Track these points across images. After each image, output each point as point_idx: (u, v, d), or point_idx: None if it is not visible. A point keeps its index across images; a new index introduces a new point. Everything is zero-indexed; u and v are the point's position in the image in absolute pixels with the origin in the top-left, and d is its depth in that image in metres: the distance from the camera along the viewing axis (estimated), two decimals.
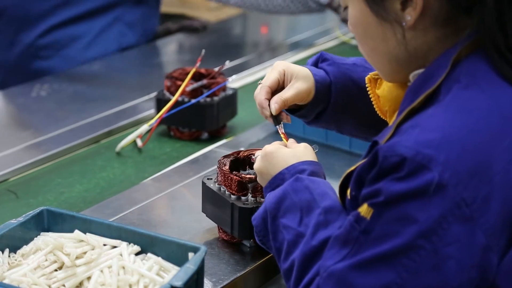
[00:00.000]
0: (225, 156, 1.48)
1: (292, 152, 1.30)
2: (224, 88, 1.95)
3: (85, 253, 1.27)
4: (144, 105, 2.13)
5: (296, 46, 2.64)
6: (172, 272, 1.25)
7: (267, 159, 1.30)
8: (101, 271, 1.24)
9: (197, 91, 1.89)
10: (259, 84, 1.42)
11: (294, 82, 1.40)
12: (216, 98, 1.91)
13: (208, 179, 1.49)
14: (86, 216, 1.34)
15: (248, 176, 1.42)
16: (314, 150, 1.33)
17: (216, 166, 1.47)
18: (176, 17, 3.09)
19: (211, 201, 1.47)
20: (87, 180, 1.76)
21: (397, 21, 1.12)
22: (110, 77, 2.38)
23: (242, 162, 1.48)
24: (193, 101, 1.87)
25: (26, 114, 2.16)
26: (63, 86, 2.27)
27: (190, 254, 1.25)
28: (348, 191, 1.15)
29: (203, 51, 1.92)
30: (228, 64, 1.95)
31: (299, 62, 2.51)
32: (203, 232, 1.51)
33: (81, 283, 1.24)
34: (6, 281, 1.23)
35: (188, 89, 1.88)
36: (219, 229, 1.48)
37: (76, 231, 1.30)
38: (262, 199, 1.40)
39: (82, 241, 1.29)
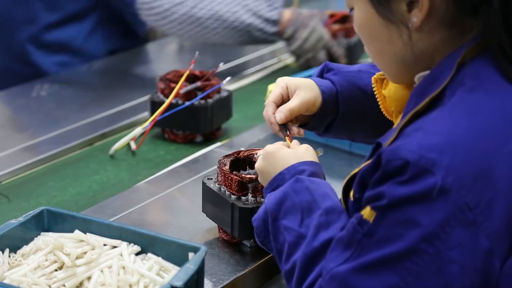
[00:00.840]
0: (225, 156, 1.47)
1: (293, 152, 1.30)
2: (218, 90, 1.93)
3: (85, 253, 1.27)
4: (138, 107, 2.12)
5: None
6: (172, 272, 1.25)
7: (267, 159, 1.30)
8: (101, 271, 1.24)
9: (191, 94, 1.87)
10: (265, 104, 1.42)
11: (298, 92, 1.40)
12: (210, 101, 1.89)
13: (208, 179, 1.49)
14: (86, 216, 1.34)
15: (248, 176, 1.42)
16: (319, 154, 1.33)
17: (216, 166, 1.47)
18: None
19: (211, 201, 1.47)
20: (80, 183, 1.75)
21: (403, 23, 1.12)
22: (105, 79, 2.36)
23: (242, 162, 1.48)
24: (187, 103, 1.86)
25: (18, 116, 2.16)
26: (57, 89, 2.26)
27: (190, 254, 1.25)
28: (351, 193, 1.14)
29: (197, 53, 1.90)
30: (222, 66, 1.93)
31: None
32: (203, 232, 1.50)
33: (81, 283, 1.24)
34: (6, 281, 1.23)
35: (182, 91, 1.86)
36: (219, 229, 1.48)
37: (76, 231, 1.30)
38: (262, 199, 1.40)
39: (82, 241, 1.29)
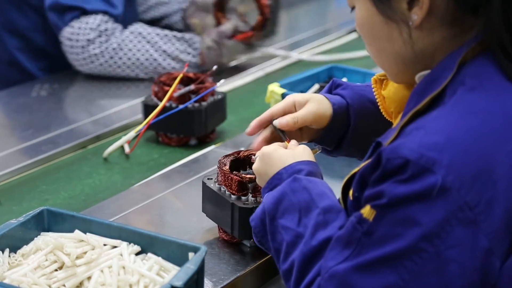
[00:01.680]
0: (225, 156, 1.48)
1: (290, 152, 1.30)
2: (212, 93, 1.91)
3: (85, 253, 1.27)
4: (133, 110, 2.10)
5: (296, 46, 2.64)
6: (172, 272, 1.25)
7: (264, 160, 1.30)
8: (101, 271, 1.24)
9: (184, 97, 1.86)
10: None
11: (307, 104, 1.39)
12: (204, 103, 1.87)
13: (208, 179, 1.49)
14: (86, 216, 1.34)
15: (248, 176, 1.42)
16: (317, 151, 1.33)
17: (216, 166, 1.47)
18: None
19: (211, 201, 1.47)
20: (72, 186, 1.74)
21: (404, 21, 1.12)
22: (99, 82, 2.33)
23: (242, 162, 1.48)
24: (181, 106, 1.84)
25: (9, 119, 2.15)
26: (50, 92, 2.25)
27: (190, 254, 1.25)
28: (351, 192, 1.14)
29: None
30: (215, 69, 1.92)
31: (299, 62, 2.52)
32: (203, 232, 1.50)
33: (81, 283, 1.24)
34: (6, 281, 1.23)
35: (175, 94, 1.85)
36: (219, 229, 1.48)
37: (76, 231, 1.30)
38: (262, 199, 1.40)
39: (82, 241, 1.29)
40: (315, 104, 1.39)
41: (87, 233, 1.30)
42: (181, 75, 1.85)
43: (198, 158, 1.84)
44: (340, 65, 2.09)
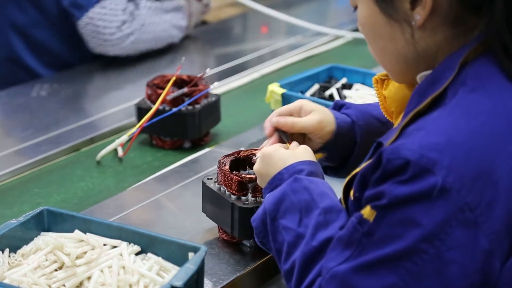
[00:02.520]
0: (225, 156, 1.47)
1: (291, 153, 1.30)
2: (206, 95, 1.90)
3: (85, 253, 1.27)
4: (128, 112, 2.08)
5: (296, 46, 2.64)
6: (172, 272, 1.25)
7: (265, 160, 1.30)
8: (101, 271, 1.24)
9: (178, 99, 1.84)
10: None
11: (311, 114, 1.39)
12: (197, 106, 1.85)
13: (208, 179, 1.49)
14: (86, 216, 1.34)
15: (248, 176, 1.42)
16: (322, 156, 1.32)
17: (216, 166, 1.47)
18: None
19: (211, 201, 1.47)
20: (65, 190, 1.72)
21: (406, 21, 1.11)
22: (93, 84, 2.33)
23: (242, 162, 1.48)
24: (174, 109, 1.83)
25: (2, 122, 2.14)
26: (43, 94, 2.24)
27: (190, 254, 1.25)
28: (351, 192, 1.14)
29: (183, 58, 1.88)
30: (209, 71, 1.90)
31: (298, 62, 2.52)
32: (203, 232, 1.50)
33: (81, 283, 1.24)
34: (6, 281, 1.23)
35: (168, 97, 1.83)
36: (219, 229, 1.48)
37: (76, 231, 1.30)
38: (262, 199, 1.40)
39: (82, 241, 1.29)
40: (319, 115, 1.39)
41: (87, 233, 1.30)
42: (174, 78, 1.84)
43: (198, 158, 1.84)
44: (340, 65, 2.10)
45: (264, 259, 1.42)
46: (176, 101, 1.84)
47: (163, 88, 1.85)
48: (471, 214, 1.02)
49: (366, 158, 1.14)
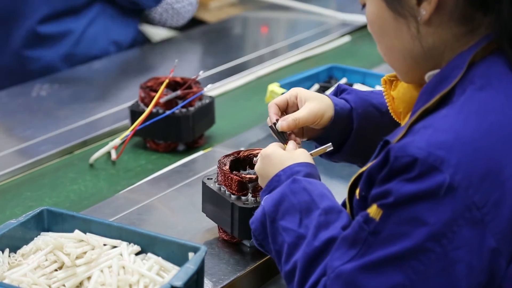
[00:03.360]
0: (225, 156, 1.48)
1: (289, 154, 1.29)
2: (200, 97, 1.88)
3: (85, 253, 1.27)
4: (123, 114, 2.06)
5: (296, 46, 2.64)
6: (172, 272, 1.25)
7: (264, 161, 1.30)
8: (101, 271, 1.24)
9: (172, 102, 1.82)
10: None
11: (308, 103, 1.38)
12: (191, 109, 1.84)
13: (208, 179, 1.49)
14: (86, 216, 1.34)
15: (248, 176, 1.42)
16: (328, 149, 1.32)
17: (216, 166, 1.47)
18: None
19: (211, 201, 1.47)
20: (57, 193, 1.71)
21: (412, 16, 1.11)
22: (87, 85, 2.31)
23: (242, 162, 1.48)
24: (168, 112, 1.81)
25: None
26: (35, 96, 2.22)
27: (190, 254, 1.25)
28: (357, 191, 1.14)
29: (176, 61, 1.87)
30: (202, 73, 1.89)
31: (298, 62, 2.52)
32: (203, 232, 1.50)
33: (81, 283, 1.24)
34: (6, 281, 1.23)
35: (162, 100, 1.82)
36: (219, 229, 1.48)
37: (76, 231, 1.30)
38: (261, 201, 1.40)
39: (82, 241, 1.29)
40: (316, 104, 1.38)
41: (87, 233, 1.30)
42: (167, 81, 1.82)
43: (198, 158, 1.84)
44: (340, 65, 2.10)
45: (264, 259, 1.42)
46: (170, 104, 1.83)
47: (156, 91, 1.84)
48: (478, 213, 1.01)
49: (372, 156, 1.13)
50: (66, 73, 2.42)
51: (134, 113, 1.86)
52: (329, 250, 1.13)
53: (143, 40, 2.79)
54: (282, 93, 1.88)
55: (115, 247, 1.30)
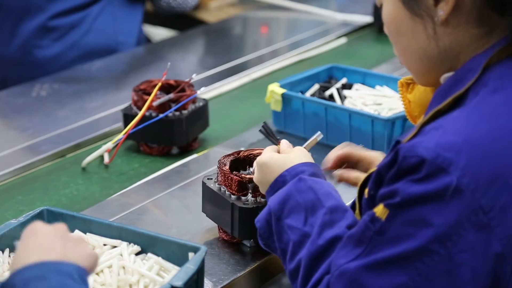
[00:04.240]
0: (225, 156, 1.48)
1: (286, 156, 1.30)
2: (194, 100, 1.87)
3: None
4: (117, 117, 2.03)
5: (296, 46, 2.64)
6: (172, 272, 1.25)
7: (262, 170, 1.31)
8: (101, 271, 1.24)
9: (165, 105, 1.81)
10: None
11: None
12: (185, 112, 1.82)
13: (208, 179, 1.49)
14: (86, 216, 1.34)
15: (248, 176, 1.42)
16: (319, 138, 1.32)
17: (216, 166, 1.47)
18: (176, 18, 3.10)
19: (211, 201, 1.47)
20: (49, 197, 1.69)
21: (429, 16, 1.11)
22: (80, 88, 2.30)
23: (242, 162, 1.48)
24: (161, 116, 1.80)
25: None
26: (28, 98, 2.21)
27: (190, 254, 1.25)
28: (366, 190, 1.14)
29: (169, 64, 1.86)
30: (195, 77, 1.88)
31: (298, 62, 2.52)
32: (203, 232, 1.50)
33: None
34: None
35: (155, 103, 1.80)
36: (219, 229, 1.48)
37: (76, 231, 1.30)
38: (262, 199, 1.40)
39: None
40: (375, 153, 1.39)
41: (87, 233, 1.30)
42: (159, 84, 1.81)
43: (198, 159, 1.84)
44: (340, 65, 2.09)
45: (264, 259, 1.42)
46: (163, 107, 1.82)
47: (149, 94, 1.82)
48: (484, 217, 1.01)
49: (384, 157, 1.13)
50: (64, 74, 2.42)
51: (127, 116, 1.84)
52: (333, 248, 1.13)
53: (144, 40, 2.81)
54: (282, 93, 1.89)
55: (115, 247, 1.30)
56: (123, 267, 1.25)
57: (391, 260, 1.03)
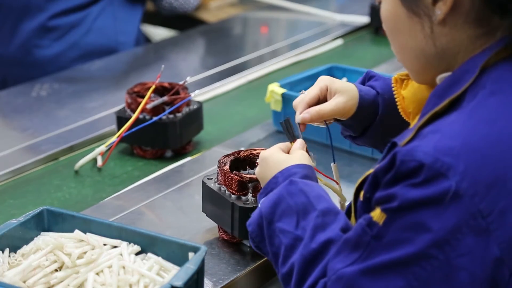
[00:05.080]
0: (225, 156, 1.47)
1: (287, 157, 1.29)
2: (188, 103, 1.86)
3: (85, 253, 1.27)
4: (109, 119, 2.04)
5: (295, 46, 2.64)
6: (172, 272, 1.25)
7: (262, 164, 1.30)
8: (102, 271, 1.24)
9: (159, 108, 1.80)
10: (301, 93, 1.40)
11: (337, 97, 1.38)
12: (179, 115, 1.81)
13: (208, 178, 1.49)
14: (86, 216, 1.34)
15: (248, 175, 1.42)
16: (313, 161, 1.32)
17: (216, 166, 1.47)
18: (176, 18, 3.10)
19: (211, 200, 1.47)
20: (41, 200, 1.68)
21: (427, 15, 1.10)
22: (75, 89, 2.29)
23: (242, 161, 1.48)
24: (154, 119, 1.78)
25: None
26: (23, 99, 2.21)
27: (190, 254, 1.25)
28: (361, 193, 1.13)
29: (163, 66, 1.86)
30: (189, 79, 1.88)
31: (298, 62, 2.52)
32: (203, 232, 1.50)
33: (81, 283, 1.24)
34: (6, 281, 1.22)
35: (148, 106, 1.79)
36: (219, 229, 1.48)
37: (76, 231, 1.30)
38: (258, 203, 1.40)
39: (82, 241, 1.29)
40: (342, 98, 1.38)
41: (87, 233, 1.30)
42: (153, 87, 1.81)
43: (198, 159, 1.84)
44: (340, 65, 2.09)
45: (264, 259, 1.42)
46: (157, 110, 1.80)
47: (143, 96, 1.82)
48: (483, 222, 1.00)
49: (380, 158, 1.12)
50: (64, 74, 2.42)
51: (121, 119, 1.83)
52: (326, 252, 1.12)
53: (143, 40, 2.81)
54: (282, 93, 1.89)
55: (115, 247, 1.30)
56: (123, 267, 1.25)
57: (388, 265, 1.02)
